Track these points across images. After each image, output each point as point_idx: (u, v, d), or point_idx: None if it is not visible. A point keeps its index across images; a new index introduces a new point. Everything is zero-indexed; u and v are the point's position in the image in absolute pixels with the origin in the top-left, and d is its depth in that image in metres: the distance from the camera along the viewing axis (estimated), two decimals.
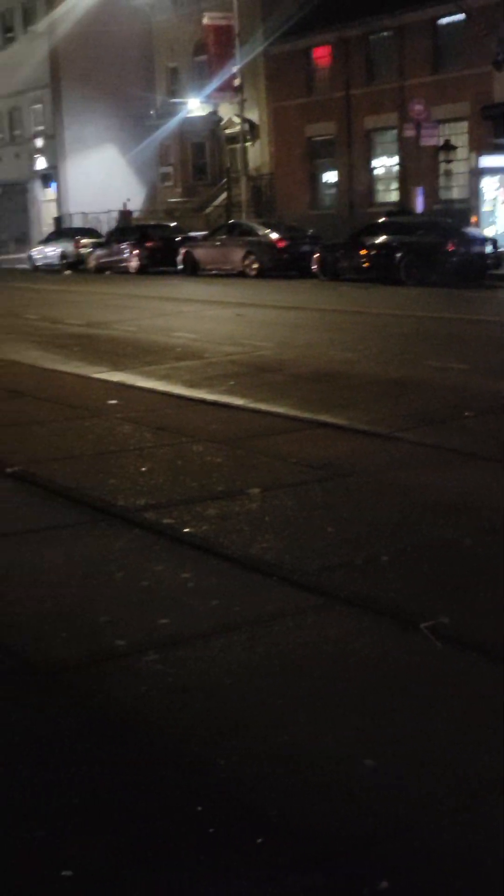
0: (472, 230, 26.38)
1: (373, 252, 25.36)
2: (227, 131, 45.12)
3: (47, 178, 53.30)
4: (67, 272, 38.22)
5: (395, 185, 38.10)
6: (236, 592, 4.67)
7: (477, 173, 30.66)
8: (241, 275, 29.49)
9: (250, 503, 6.09)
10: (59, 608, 4.55)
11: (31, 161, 54.01)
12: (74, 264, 38.67)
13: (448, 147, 33.54)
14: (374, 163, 38.75)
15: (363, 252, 25.62)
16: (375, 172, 38.84)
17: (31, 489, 6.65)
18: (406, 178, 36.44)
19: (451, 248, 24.02)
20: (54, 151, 51.75)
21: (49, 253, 40.89)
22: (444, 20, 34.55)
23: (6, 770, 3.23)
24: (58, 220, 49.78)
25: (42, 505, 6.30)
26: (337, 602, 4.50)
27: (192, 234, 35.55)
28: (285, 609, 4.45)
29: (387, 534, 5.44)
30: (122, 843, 2.84)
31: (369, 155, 38.69)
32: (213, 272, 30.84)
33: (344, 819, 2.92)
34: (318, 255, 27.02)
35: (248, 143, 40.61)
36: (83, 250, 38.47)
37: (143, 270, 33.81)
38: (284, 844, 2.81)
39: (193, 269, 31.56)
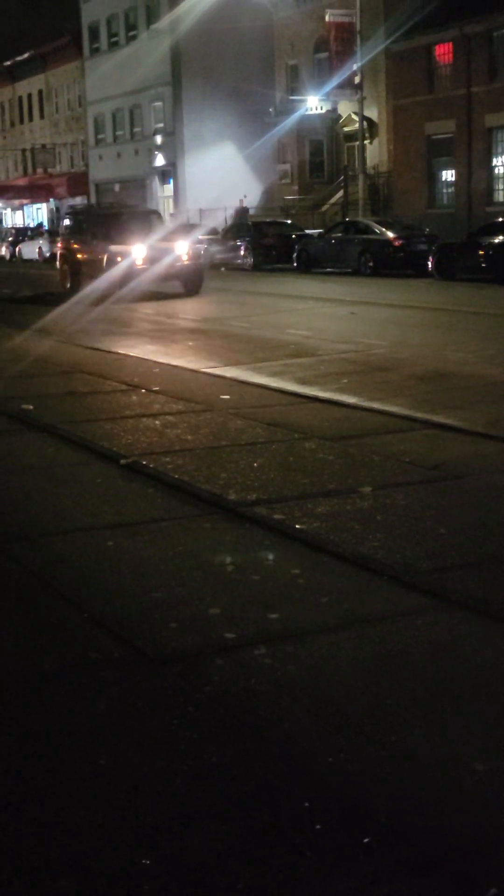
0: None
1: (491, 252, 24.98)
2: (346, 129, 45.00)
3: (166, 174, 53.91)
4: None
5: None
6: (346, 590, 4.65)
7: None
8: (357, 273, 29.36)
9: (361, 501, 6.06)
10: (170, 599, 4.59)
11: (151, 158, 54.68)
12: None
13: None
14: (495, 161, 38.19)
15: (481, 252, 25.25)
16: (496, 171, 38.28)
17: (143, 481, 6.73)
18: None
19: None
20: (173, 148, 52.30)
21: None
22: None
23: (116, 755, 3.28)
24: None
25: (154, 497, 6.36)
26: (448, 604, 4.45)
27: (308, 231, 35.54)
28: (395, 609, 4.42)
29: (500, 537, 5.36)
30: (228, 835, 2.85)
31: (490, 153, 38.15)
32: (328, 270, 30.78)
33: (452, 823, 2.88)
34: (434, 254, 26.74)
35: (366, 141, 40.42)
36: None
37: (257, 267, 33.93)
38: (391, 845, 2.78)
39: (308, 267, 31.54)
